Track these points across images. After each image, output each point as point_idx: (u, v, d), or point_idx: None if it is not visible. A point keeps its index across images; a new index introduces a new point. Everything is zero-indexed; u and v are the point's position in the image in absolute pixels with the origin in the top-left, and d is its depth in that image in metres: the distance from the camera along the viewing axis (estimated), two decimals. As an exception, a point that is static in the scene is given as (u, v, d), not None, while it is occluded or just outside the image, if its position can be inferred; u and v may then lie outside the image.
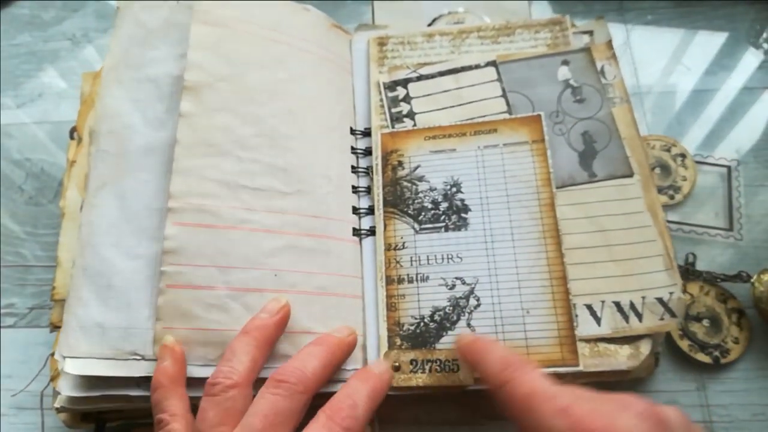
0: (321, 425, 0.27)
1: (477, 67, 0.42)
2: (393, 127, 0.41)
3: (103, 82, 0.40)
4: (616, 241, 0.36)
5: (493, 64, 0.42)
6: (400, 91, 0.42)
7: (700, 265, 0.41)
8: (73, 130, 0.44)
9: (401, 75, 0.43)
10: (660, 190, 0.43)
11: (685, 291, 0.39)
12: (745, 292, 0.40)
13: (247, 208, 0.36)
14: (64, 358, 0.32)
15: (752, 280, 0.39)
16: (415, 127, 0.41)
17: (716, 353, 0.38)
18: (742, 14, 0.50)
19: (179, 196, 0.35)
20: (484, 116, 0.40)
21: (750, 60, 0.49)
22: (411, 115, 0.41)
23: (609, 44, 0.42)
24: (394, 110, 0.42)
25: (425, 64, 0.43)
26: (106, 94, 0.39)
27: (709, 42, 0.50)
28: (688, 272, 0.40)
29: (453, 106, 0.41)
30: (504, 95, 0.41)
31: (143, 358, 0.32)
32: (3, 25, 0.56)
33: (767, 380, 0.38)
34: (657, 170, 0.43)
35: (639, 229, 0.36)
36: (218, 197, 0.35)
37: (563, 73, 0.41)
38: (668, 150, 0.44)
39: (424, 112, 0.42)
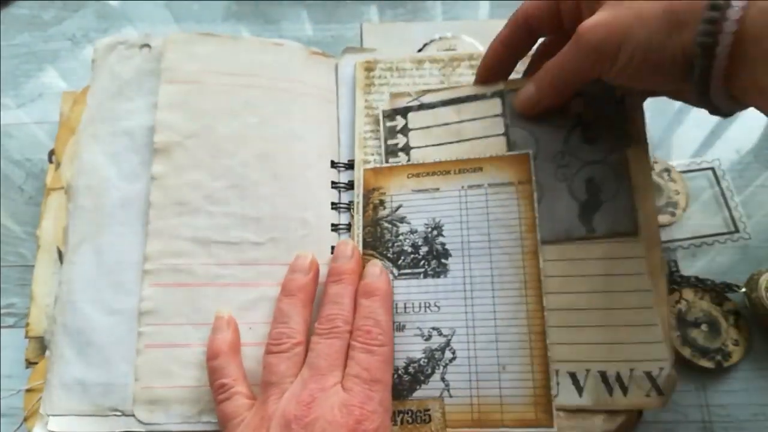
0: (361, 353, 0.31)
1: (482, 97, 0.38)
2: (386, 161, 0.38)
3: (80, 137, 0.40)
4: (609, 304, 0.33)
5: (500, 94, 0.37)
6: (399, 121, 0.39)
7: (717, 273, 0.40)
8: (51, 154, 0.45)
9: (402, 103, 0.39)
10: (659, 210, 0.42)
11: (680, 299, 0.39)
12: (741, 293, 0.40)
13: (220, 264, 0.36)
14: (48, 416, 0.34)
15: (743, 290, 0.39)
16: (404, 163, 0.38)
17: (718, 357, 0.38)
18: (742, 14, 0.50)
19: (155, 258, 0.36)
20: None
21: (750, 60, 0.49)
22: (406, 149, 0.38)
23: None
24: (390, 142, 0.38)
25: (428, 91, 0.39)
26: (84, 149, 0.40)
27: (708, 42, 0.50)
28: (673, 280, 0.40)
29: (451, 142, 0.38)
30: (506, 132, 0.37)
31: (123, 414, 0.34)
32: (3, 25, 0.56)
33: (766, 380, 0.38)
34: None
35: (636, 294, 0.33)
36: (191, 255, 0.36)
37: (576, 104, 0.36)
38: (652, 169, 0.44)
39: (419, 147, 0.38)
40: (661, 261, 0.33)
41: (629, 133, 0.35)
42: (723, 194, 0.43)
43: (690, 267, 0.41)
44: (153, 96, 0.39)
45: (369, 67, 0.42)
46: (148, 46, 0.41)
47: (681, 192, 0.43)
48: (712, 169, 0.44)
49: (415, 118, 0.39)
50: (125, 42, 0.41)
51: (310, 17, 0.55)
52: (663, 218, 0.42)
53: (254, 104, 0.39)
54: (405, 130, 0.39)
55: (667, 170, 0.44)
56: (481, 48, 0.46)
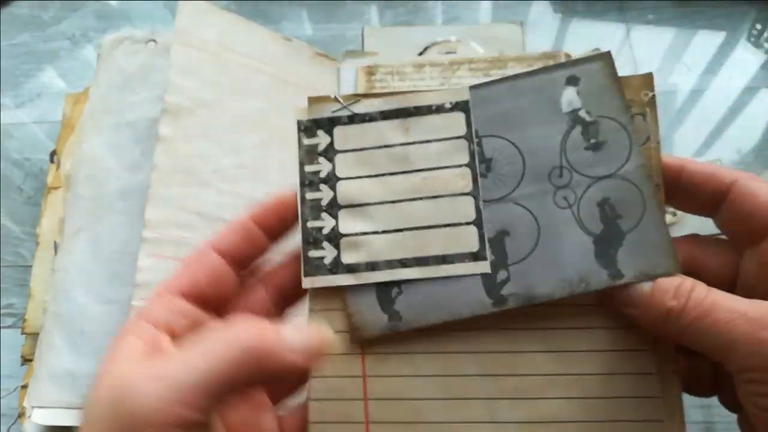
0: None
1: (439, 110, 0.26)
2: (303, 196, 0.25)
3: (82, 129, 0.40)
4: (604, 416, 0.24)
5: (462, 108, 0.26)
6: (322, 139, 0.27)
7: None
8: (53, 154, 0.45)
9: (325, 111, 0.27)
10: None
11: None
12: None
13: None
14: (33, 408, 0.33)
15: None
16: (327, 200, 0.26)
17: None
18: (742, 14, 0.50)
19: (155, 226, 0.35)
20: (437, 196, 0.25)
21: (750, 60, 0.49)
22: (331, 180, 0.26)
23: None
24: (308, 169, 0.26)
25: (364, 96, 0.27)
26: (85, 140, 0.40)
27: (709, 41, 0.50)
28: None
29: (395, 173, 0.26)
30: (470, 163, 0.25)
31: None
32: (3, 25, 0.56)
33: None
34: None
35: (642, 401, 0.24)
36: (196, 229, 0.35)
37: (569, 98, 0.25)
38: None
39: (349, 179, 0.26)
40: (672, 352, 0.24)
41: (642, 128, 0.25)
42: (724, 194, 0.43)
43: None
44: (158, 89, 0.39)
45: (370, 71, 0.42)
46: (154, 41, 0.41)
47: (682, 192, 0.43)
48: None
49: (344, 135, 0.27)
50: (131, 37, 0.42)
51: (310, 17, 0.54)
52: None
53: (265, 90, 0.40)
54: (329, 152, 0.26)
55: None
56: (482, 51, 0.47)
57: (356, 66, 0.43)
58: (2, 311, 0.44)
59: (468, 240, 0.24)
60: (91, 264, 0.36)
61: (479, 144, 0.25)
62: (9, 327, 0.44)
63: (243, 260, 0.24)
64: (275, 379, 0.22)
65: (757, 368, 0.19)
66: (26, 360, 0.39)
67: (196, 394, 0.18)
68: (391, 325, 0.24)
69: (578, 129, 0.25)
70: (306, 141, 0.27)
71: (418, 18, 0.53)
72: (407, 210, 0.25)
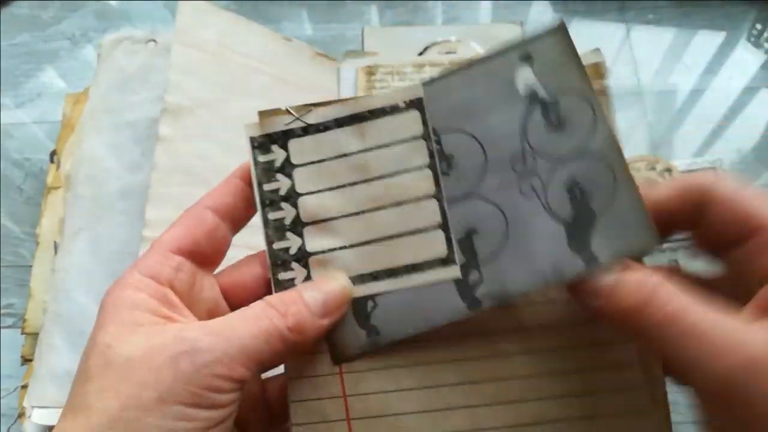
0: None
1: (393, 111, 0.24)
2: (266, 214, 0.24)
3: (82, 128, 0.40)
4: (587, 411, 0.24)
5: (416, 105, 0.24)
6: (278, 154, 0.25)
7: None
8: (52, 154, 0.45)
9: (278, 125, 0.25)
10: None
11: None
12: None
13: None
14: (33, 408, 0.33)
15: None
16: (291, 219, 0.25)
17: None
18: (742, 14, 0.50)
19: (155, 226, 0.35)
20: (400, 203, 0.24)
21: (750, 60, 0.49)
22: (291, 197, 0.25)
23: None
24: (267, 187, 0.25)
25: (316, 105, 0.25)
26: (85, 140, 0.40)
27: (709, 41, 0.50)
28: None
29: (355, 183, 0.25)
30: (431, 163, 0.24)
31: None
32: (2, 24, 0.56)
33: None
34: None
35: (624, 393, 0.24)
36: None
37: (525, 78, 0.24)
38: (653, 168, 0.44)
39: (310, 194, 0.25)
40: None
41: (599, 101, 0.23)
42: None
43: (691, 267, 0.41)
44: (158, 89, 0.39)
45: (370, 71, 0.42)
46: (154, 41, 0.41)
47: (682, 192, 0.43)
48: (714, 168, 0.44)
49: (299, 148, 0.25)
50: (131, 37, 0.42)
51: (310, 17, 0.54)
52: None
53: (265, 90, 0.40)
54: (287, 168, 0.25)
55: (669, 170, 0.44)
56: (482, 51, 0.46)
57: (356, 66, 0.43)
58: (2, 311, 0.44)
59: (436, 245, 0.23)
60: (91, 264, 0.36)
61: (438, 141, 0.24)
62: (9, 327, 0.43)
63: (238, 219, 0.24)
64: (307, 348, 0.22)
65: (714, 406, 0.18)
66: (26, 360, 0.39)
67: (252, 359, 0.20)
68: (371, 341, 0.23)
69: (538, 110, 0.24)
70: (261, 158, 0.25)
71: (418, 18, 0.53)
72: (373, 220, 0.24)
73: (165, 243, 0.22)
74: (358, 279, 0.24)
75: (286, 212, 0.25)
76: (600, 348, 0.24)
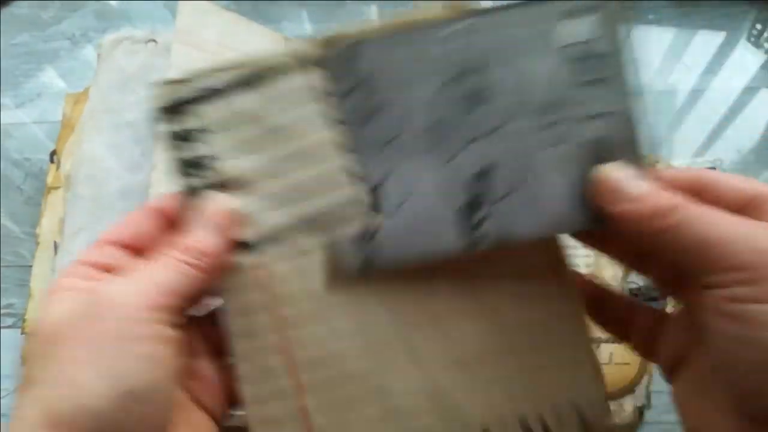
0: None
1: (297, 68, 0.25)
2: (182, 183, 0.24)
3: (82, 128, 0.41)
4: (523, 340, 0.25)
5: (319, 63, 0.24)
6: (186, 121, 0.25)
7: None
8: (52, 154, 0.45)
9: (185, 92, 0.25)
10: None
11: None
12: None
13: None
14: None
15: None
16: (212, 181, 0.24)
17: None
18: (742, 14, 0.50)
19: None
20: (313, 158, 0.24)
21: (750, 60, 0.49)
22: (205, 162, 0.25)
23: None
24: (179, 155, 0.25)
25: (224, 68, 0.25)
26: (85, 140, 0.40)
27: (709, 41, 0.50)
28: None
29: (267, 143, 0.25)
30: (338, 117, 0.24)
31: None
32: (2, 24, 0.56)
33: None
34: None
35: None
36: None
37: (569, 31, 0.23)
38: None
39: (225, 157, 0.25)
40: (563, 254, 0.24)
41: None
42: (724, 194, 0.43)
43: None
44: None
45: None
46: (154, 41, 0.41)
47: (682, 192, 0.43)
48: (714, 168, 0.44)
49: (208, 113, 0.25)
50: (131, 37, 0.42)
51: (310, 17, 0.54)
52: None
53: None
54: (197, 133, 0.25)
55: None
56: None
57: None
58: (2, 311, 0.44)
59: (352, 192, 0.24)
60: None
61: (470, 76, 0.23)
62: (9, 327, 0.44)
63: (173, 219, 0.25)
64: (220, 269, 0.24)
65: (747, 267, 0.18)
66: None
67: (168, 292, 0.21)
68: (365, 263, 0.24)
69: (576, 63, 0.23)
70: (170, 126, 0.25)
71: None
72: (287, 178, 0.24)
73: (106, 238, 0.24)
74: (285, 232, 0.24)
75: (201, 177, 0.25)
76: (539, 299, 0.24)
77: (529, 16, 0.23)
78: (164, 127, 0.25)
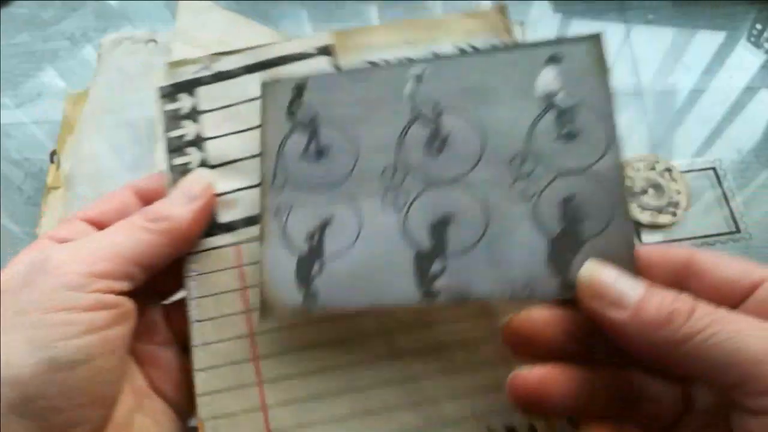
0: None
1: (303, 57, 0.26)
2: (171, 160, 0.25)
3: (82, 128, 0.41)
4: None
5: (326, 51, 0.26)
6: (185, 102, 0.26)
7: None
8: (52, 154, 0.45)
9: (187, 73, 0.27)
10: (660, 210, 0.42)
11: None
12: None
13: None
14: None
15: None
16: (196, 163, 0.25)
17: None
18: (742, 14, 0.50)
19: None
20: None
21: (750, 60, 0.49)
22: (198, 142, 0.26)
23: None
24: (173, 134, 0.26)
25: (225, 53, 0.27)
26: (85, 139, 0.40)
27: (709, 41, 0.50)
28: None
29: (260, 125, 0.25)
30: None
31: None
32: (2, 24, 0.56)
33: None
34: (651, 191, 0.43)
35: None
36: None
37: (547, 79, 0.22)
38: (653, 168, 0.44)
39: (217, 137, 0.26)
40: None
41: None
42: (724, 194, 0.43)
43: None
44: None
45: None
46: (154, 41, 0.41)
47: (682, 192, 0.43)
48: (714, 168, 0.44)
49: (208, 95, 0.26)
50: (131, 37, 0.42)
51: (310, 17, 0.54)
52: (664, 218, 0.42)
53: None
54: (194, 114, 0.26)
55: (669, 170, 0.44)
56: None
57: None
58: (2, 311, 0.44)
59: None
60: None
61: (438, 118, 0.23)
62: (9, 327, 0.43)
63: (155, 198, 0.25)
64: (178, 251, 0.24)
65: None
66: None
67: (111, 257, 0.21)
68: (306, 303, 0.22)
69: (552, 114, 0.22)
70: (168, 107, 0.26)
71: (418, 18, 0.53)
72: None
73: (77, 214, 0.24)
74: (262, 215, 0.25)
75: (192, 157, 0.26)
76: (487, 366, 0.24)
77: (514, 61, 0.23)
78: (161, 106, 0.27)
